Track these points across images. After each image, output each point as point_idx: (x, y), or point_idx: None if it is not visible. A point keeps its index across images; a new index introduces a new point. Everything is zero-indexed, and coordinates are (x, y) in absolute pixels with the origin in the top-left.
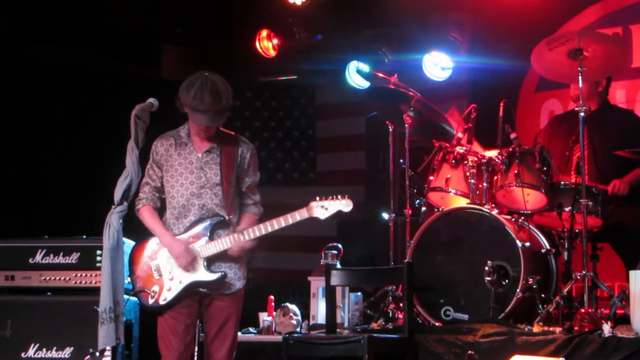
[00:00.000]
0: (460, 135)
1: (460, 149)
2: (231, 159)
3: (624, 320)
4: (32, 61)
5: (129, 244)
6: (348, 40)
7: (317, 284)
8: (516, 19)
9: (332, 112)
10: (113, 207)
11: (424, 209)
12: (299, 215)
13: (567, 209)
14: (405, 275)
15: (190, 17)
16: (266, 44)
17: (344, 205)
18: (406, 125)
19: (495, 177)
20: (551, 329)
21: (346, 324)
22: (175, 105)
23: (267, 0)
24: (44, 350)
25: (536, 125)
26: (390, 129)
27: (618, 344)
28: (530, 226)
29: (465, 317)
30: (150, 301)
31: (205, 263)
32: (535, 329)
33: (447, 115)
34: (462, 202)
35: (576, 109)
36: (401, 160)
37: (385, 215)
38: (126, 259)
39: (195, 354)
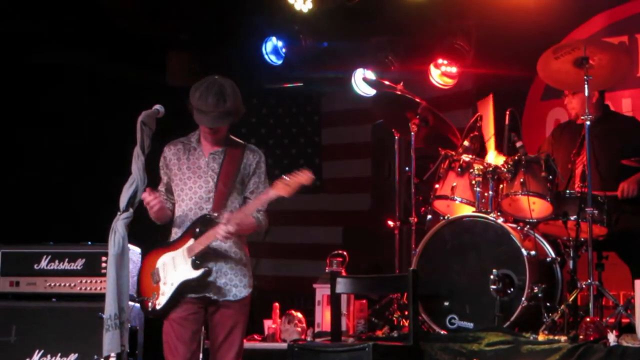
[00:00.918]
0: (466, 143)
1: (466, 157)
2: (233, 164)
3: (629, 329)
4: (37, 65)
5: (134, 250)
6: (354, 47)
7: (322, 292)
8: (522, 27)
9: (338, 119)
10: (119, 213)
11: (429, 217)
12: (265, 196)
13: (572, 218)
14: (411, 283)
15: (196, 23)
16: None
17: (303, 177)
18: (412, 133)
19: (501, 186)
20: (556, 337)
21: (351, 332)
22: (181, 111)
23: (274, 7)
24: (49, 356)
25: (542, 133)
26: (396, 137)
27: (623, 353)
28: (536, 235)
29: (471, 325)
30: (149, 307)
31: (192, 262)
32: (541, 337)
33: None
34: (468, 210)
35: (582, 117)
36: (407, 168)
37: (391, 223)
38: (131, 265)
39: None
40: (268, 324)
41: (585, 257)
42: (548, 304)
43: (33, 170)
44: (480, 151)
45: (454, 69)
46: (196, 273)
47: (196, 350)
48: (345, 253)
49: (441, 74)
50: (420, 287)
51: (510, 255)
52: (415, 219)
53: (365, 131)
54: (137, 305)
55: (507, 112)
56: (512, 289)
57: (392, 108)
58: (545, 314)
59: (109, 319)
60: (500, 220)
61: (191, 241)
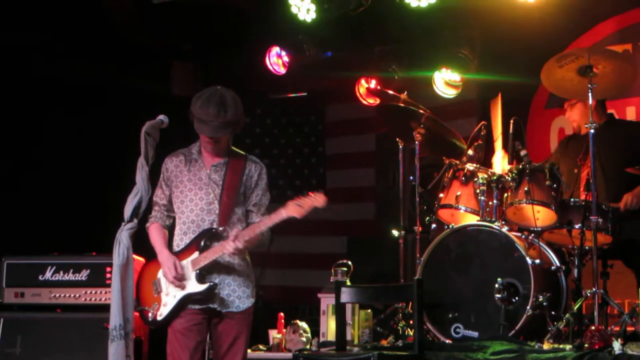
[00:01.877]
0: (470, 152)
1: (470, 166)
2: (236, 175)
3: (634, 337)
4: (41, 77)
5: (138, 261)
6: (358, 57)
7: (327, 301)
8: (526, 36)
9: (342, 129)
10: (123, 224)
11: (434, 226)
12: (276, 216)
13: (577, 226)
14: (415, 292)
15: (200, 33)
16: (276, 61)
17: (317, 201)
18: (416, 142)
19: (506, 194)
20: (561, 346)
21: (356, 342)
22: (185, 121)
23: (278, 17)
24: None
25: (546, 142)
26: (400, 146)
27: None
28: (541, 243)
29: (475, 334)
30: (150, 318)
31: (197, 275)
32: (546, 346)
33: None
34: (472, 219)
35: (585, 126)
36: (411, 177)
37: (395, 232)
38: (135, 276)
39: None
40: (273, 333)
41: (590, 265)
42: (553, 313)
43: (37, 181)
44: (484, 159)
45: (458, 78)
46: (201, 287)
47: None
48: (349, 262)
49: (445, 83)
50: (425, 296)
51: (515, 264)
52: (420, 228)
53: (369, 140)
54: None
55: (512, 121)
56: (516, 298)
57: (396, 117)
58: (550, 323)
59: (114, 330)
60: (504, 229)
61: (196, 254)
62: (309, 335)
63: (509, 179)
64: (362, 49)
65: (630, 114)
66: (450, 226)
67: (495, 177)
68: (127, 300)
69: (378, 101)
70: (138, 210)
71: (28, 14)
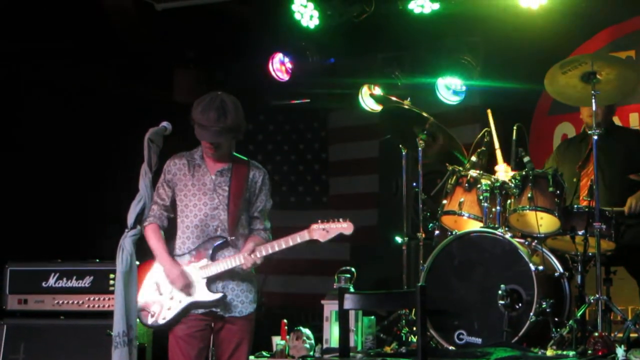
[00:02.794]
0: (473, 159)
1: (473, 173)
2: (241, 182)
3: (637, 344)
4: (44, 82)
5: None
6: (361, 63)
7: (330, 308)
8: (529, 42)
9: (345, 135)
10: (126, 230)
11: (437, 232)
12: (299, 238)
13: (580, 233)
14: (419, 298)
15: (203, 40)
16: (279, 68)
17: (345, 228)
18: (419, 149)
19: (509, 201)
20: (565, 352)
21: (359, 348)
22: (188, 128)
23: (280, 24)
24: None
25: (549, 148)
26: (404, 153)
27: None
28: (544, 250)
29: (479, 340)
30: (150, 320)
31: (206, 283)
32: (549, 352)
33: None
34: (476, 226)
35: (588, 132)
36: (414, 184)
37: (399, 239)
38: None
39: None
40: (276, 340)
41: (593, 272)
42: (556, 319)
43: (40, 188)
44: (488, 166)
45: (461, 85)
46: (211, 297)
47: None
48: (353, 269)
49: (448, 89)
50: (429, 303)
51: (518, 271)
52: (423, 235)
53: (372, 147)
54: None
55: (515, 128)
56: (520, 304)
57: (399, 124)
58: (554, 329)
59: (117, 336)
60: (508, 236)
61: (204, 261)
62: (312, 341)
63: (512, 185)
64: (365, 56)
65: (634, 121)
66: (454, 233)
67: (498, 184)
68: (131, 306)
69: (381, 108)
70: (141, 216)
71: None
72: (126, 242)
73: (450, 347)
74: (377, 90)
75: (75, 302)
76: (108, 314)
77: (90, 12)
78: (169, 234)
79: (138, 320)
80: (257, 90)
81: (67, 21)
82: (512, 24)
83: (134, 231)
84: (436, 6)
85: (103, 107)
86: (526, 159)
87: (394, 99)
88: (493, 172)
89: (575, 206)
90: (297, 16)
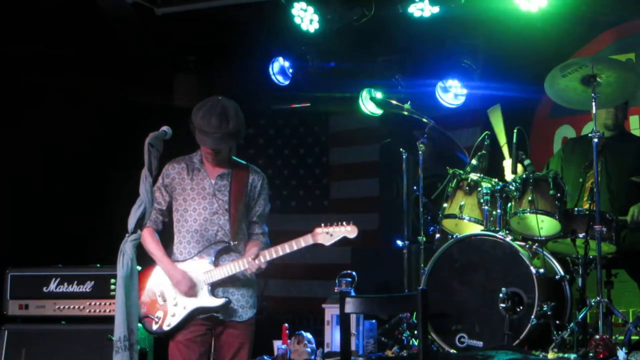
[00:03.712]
0: (474, 162)
1: (474, 176)
2: (241, 186)
3: (639, 346)
4: (44, 87)
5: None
6: (361, 67)
7: (331, 312)
8: (529, 45)
9: (345, 139)
10: (127, 235)
11: (438, 235)
12: (303, 242)
13: (581, 236)
14: (420, 302)
15: (204, 44)
16: (279, 72)
17: (349, 232)
18: (420, 153)
19: (509, 204)
20: (566, 355)
21: (360, 352)
22: (188, 132)
23: (281, 28)
24: None
25: (550, 151)
26: (404, 156)
27: None
28: (545, 253)
29: (480, 344)
30: (154, 327)
31: (209, 289)
32: (550, 355)
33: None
34: (476, 229)
35: (590, 135)
36: (415, 188)
37: (399, 242)
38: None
39: None
40: (277, 344)
41: (594, 274)
42: (557, 322)
43: (41, 193)
44: (489, 168)
45: (461, 88)
46: (215, 302)
47: None
48: (354, 273)
49: (449, 93)
50: (430, 306)
51: (519, 274)
52: (424, 238)
53: (373, 151)
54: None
55: (515, 130)
56: (521, 307)
57: (399, 127)
58: (555, 332)
59: (118, 341)
60: (508, 239)
61: (208, 266)
62: (314, 345)
63: (513, 188)
64: (365, 59)
65: (634, 124)
66: (455, 236)
67: (499, 187)
68: (132, 311)
69: (381, 111)
70: (142, 221)
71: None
72: (127, 247)
73: (452, 351)
74: (378, 94)
75: (77, 307)
76: (109, 319)
77: (90, 16)
78: (163, 238)
79: (142, 327)
80: (258, 94)
81: (67, 26)
82: (512, 27)
83: (134, 236)
84: (436, 9)
85: (103, 112)
86: (527, 162)
87: (394, 102)
88: (502, 170)
89: (576, 209)
90: (297, 20)
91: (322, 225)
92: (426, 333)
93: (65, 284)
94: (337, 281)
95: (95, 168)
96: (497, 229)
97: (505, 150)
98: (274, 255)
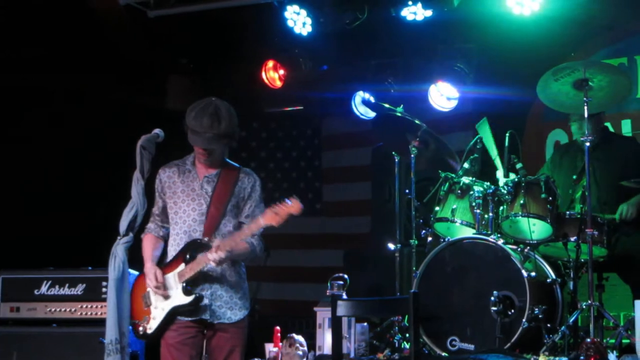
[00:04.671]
0: (466, 165)
1: (466, 180)
2: (227, 187)
3: (629, 349)
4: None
5: (134, 275)
6: (354, 70)
7: (323, 315)
8: (522, 49)
9: (338, 142)
10: (119, 238)
11: (430, 239)
12: (255, 226)
13: (572, 239)
14: (412, 305)
15: (197, 47)
16: (272, 75)
17: (292, 207)
18: (412, 156)
19: (501, 207)
20: (557, 358)
21: (352, 355)
22: (181, 135)
23: (273, 31)
24: None
25: (542, 155)
26: (396, 160)
27: None
28: (536, 256)
29: (472, 347)
30: (140, 331)
31: (183, 287)
32: (542, 358)
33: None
34: (468, 232)
35: (581, 139)
36: (407, 191)
37: (391, 246)
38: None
39: None
40: (269, 347)
41: (586, 278)
42: (549, 325)
43: (33, 195)
44: (480, 173)
45: (454, 92)
46: (187, 299)
47: None
48: (346, 276)
49: (441, 96)
50: (421, 310)
51: (511, 277)
52: (416, 242)
53: (365, 154)
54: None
55: (507, 134)
56: (512, 311)
57: (392, 131)
58: (546, 335)
59: (109, 344)
60: (500, 242)
61: (182, 266)
62: (305, 348)
63: (505, 192)
64: (358, 63)
65: (626, 128)
66: (446, 239)
67: (491, 190)
68: (123, 314)
69: (374, 115)
70: (133, 224)
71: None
72: (118, 250)
73: (443, 354)
74: (370, 97)
75: (68, 309)
76: (101, 322)
77: (83, 19)
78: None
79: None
80: (251, 97)
81: (59, 28)
82: (505, 31)
83: (126, 238)
84: (429, 13)
85: (96, 114)
86: (519, 166)
87: (387, 106)
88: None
89: (568, 212)
90: (290, 23)
91: (271, 206)
92: (418, 336)
93: (57, 287)
94: (329, 284)
95: (88, 170)
96: (489, 232)
97: (497, 162)
98: (232, 244)
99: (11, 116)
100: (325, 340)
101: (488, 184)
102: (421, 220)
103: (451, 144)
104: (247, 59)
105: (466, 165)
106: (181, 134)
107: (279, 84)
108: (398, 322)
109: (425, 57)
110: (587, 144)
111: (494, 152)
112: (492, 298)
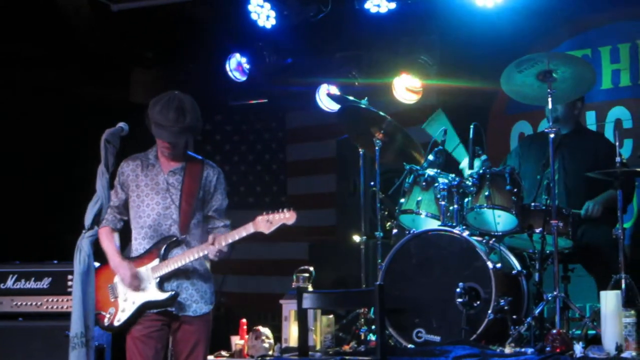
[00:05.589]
0: (431, 157)
1: (430, 172)
2: (194, 180)
3: (595, 340)
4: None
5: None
6: (318, 63)
7: (288, 307)
8: (485, 41)
9: (302, 135)
10: (84, 231)
11: (395, 231)
12: (244, 231)
13: (537, 231)
14: (377, 297)
15: (160, 41)
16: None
17: (288, 218)
18: (376, 148)
19: (466, 199)
20: (523, 349)
21: (318, 347)
22: (145, 128)
23: (237, 24)
24: None
25: (506, 147)
26: (361, 152)
27: None
28: (502, 248)
29: (438, 338)
30: (106, 323)
31: (157, 282)
32: (507, 350)
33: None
34: (433, 224)
35: (546, 130)
36: (372, 183)
37: (357, 238)
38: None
39: None
40: (235, 340)
41: (551, 269)
42: (514, 317)
43: None
44: (445, 165)
45: (418, 84)
46: (162, 296)
47: None
48: (311, 268)
49: (405, 88)
50: (387, 302)
51: (476, 269)
52: (381, 234)
53: (329, 147)
54: None
55: (472, 126)
56: (478, 302)
57: (356, 123)
58: (512, 327)
59: (75, 337)
60: (465, 234)
61: (156, 261)
62: (271, 341)
63: (470, 183)
64: (322, 55)
65: (590, 119)
66: (412, 231)
67: (455, 182)
68: (89, 307)
69: (338, 107)
70: (98, 217)
71: None
72: (83, 243)
73: (409, 345)
74: (335, 90)
75: (34, 303)
76: (67, 315)
77: (46, 13)
78: (126, 236)
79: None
80: (215, 90)
81: (22, 22)
82: (468, 22)
83: (91, 232)
84: (392, 5)
85: (60, 108)
86: (483, 157)
87: (351, 98)
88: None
89: (533, 204)
90: (253, 16)
91: (264, 213)
92: (384, 328)
93: (23, 281)
94: (294, 277)
95: (52, 164)
96: (454, 224)
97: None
98: (230, 240)
99: None
100: (291, 333)
101: (453, 175)
102: (386, 213)
103: (415, 136)
104: (211, 52)
105: (431, 157)
106: (145, 127)
107: (243, 77)
108: (364, 314)
109: (389, 49)
110: (552, 135)
111: (454, 141)
112: (458, 290)
